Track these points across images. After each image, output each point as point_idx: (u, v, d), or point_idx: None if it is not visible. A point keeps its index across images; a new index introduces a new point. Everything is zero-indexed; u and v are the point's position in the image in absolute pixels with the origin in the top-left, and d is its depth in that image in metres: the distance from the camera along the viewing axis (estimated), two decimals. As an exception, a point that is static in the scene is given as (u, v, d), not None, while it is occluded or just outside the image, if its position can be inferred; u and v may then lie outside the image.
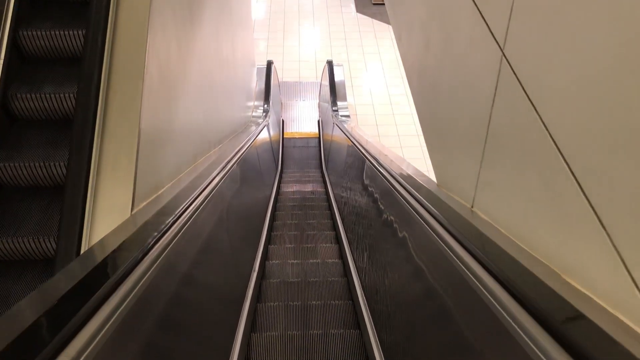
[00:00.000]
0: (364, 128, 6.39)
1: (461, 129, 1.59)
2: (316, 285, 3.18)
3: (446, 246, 1.40)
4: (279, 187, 5.96)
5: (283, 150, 7.50)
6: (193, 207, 1.72)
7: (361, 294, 2.87)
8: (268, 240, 4.13)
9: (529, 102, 1.12)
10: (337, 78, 7.07)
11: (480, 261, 1.17)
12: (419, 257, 1.76)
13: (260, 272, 3.31)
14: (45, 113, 1.88)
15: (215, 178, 2.27)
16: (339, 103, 6.47)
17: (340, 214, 4.46)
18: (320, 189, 6.07)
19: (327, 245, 4.04)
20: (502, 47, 1.26)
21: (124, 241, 1.16)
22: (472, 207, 1.51)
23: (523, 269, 1.07)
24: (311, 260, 3.64)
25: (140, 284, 1.08)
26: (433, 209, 1.63)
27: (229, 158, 2.76)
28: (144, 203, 1.57)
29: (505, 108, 1.27)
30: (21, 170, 1.77)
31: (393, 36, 10.68)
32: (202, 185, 1.94)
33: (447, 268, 1.40)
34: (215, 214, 2.19)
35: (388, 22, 11.28)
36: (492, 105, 1.34)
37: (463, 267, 1.25)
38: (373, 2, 11.72)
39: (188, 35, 2.33)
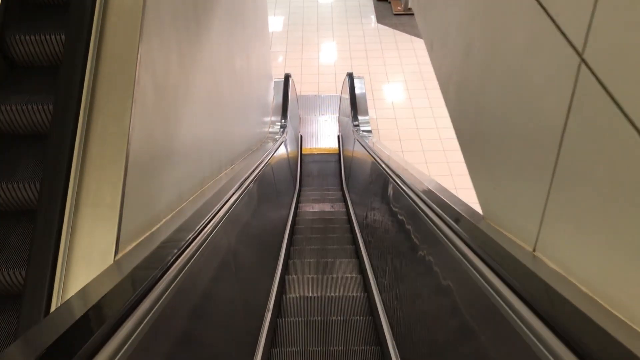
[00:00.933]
0: (386, 143, 6.12)
1: (518, 150, 1.31)
2: (338, 324, 2.90)
3: (505, 303, 1.12)
4: (297, 208, 5.71)
5: (301, 168, 7.26)
6: (193, 248, 1.47)
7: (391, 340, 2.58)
8: (285, 269, 3.87)
9: (624, 120, 0.85)
10: (357, 91, 6.83)
11: (563, 337, 0.89)
12: (465, 310, 1.48)
13: (276, 311, 3.04)
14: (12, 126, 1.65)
15: (224, 207, 2.02)
16: (360, 117, 6.22)
17: (364, 239, 4.18)
18: (341, 209, 5.80)
19: (350, 275, 3.76)
20: (580, 50, 0.99)
21: (92, 306, 0.92)
22: (534, 249, 1.23)
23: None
24: (332, 294, 3.37)
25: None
26: (480, 249, 1.35)
27: (241, 180, 2.52)
28: (133, 244, 1.33)
29: (585, 125, 1.00)
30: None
31: (415, 47, 10.45)
32: (205, 219, 1.70)
33: (507, 328, 1.12)
34: (221, 251, 1.94)
35: (410, 33, 11.06)
36: (566, 123, 1.07)
37: (532, 337, 0.97)
38: (394, 13, 11.52)
39: (193, 45, 2.11)
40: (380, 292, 3.07)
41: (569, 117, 1.06)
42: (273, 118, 6.35)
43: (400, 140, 7.87)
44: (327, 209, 5.77)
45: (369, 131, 5.92)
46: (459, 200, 1.99)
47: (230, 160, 2.91)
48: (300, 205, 5.91)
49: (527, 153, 1.25)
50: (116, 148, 1.30)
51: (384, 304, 2.90)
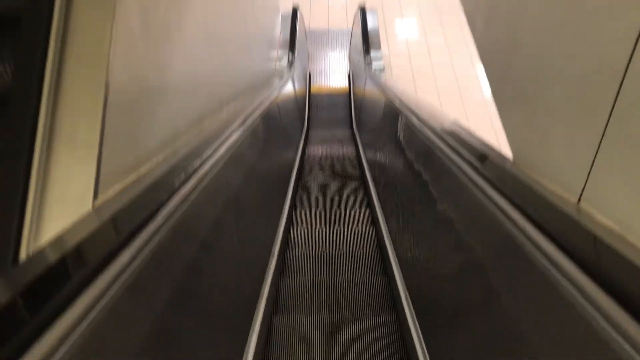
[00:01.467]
0: (399, 82, 5.86)
1: (565, 85, 1.12)
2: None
3: (543, 254, 0.97)
4: (304, 149, 5.54)
5: (310, 106, 7.04)
6: (186, 190, 1.32)
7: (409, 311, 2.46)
8: (291, 214, 3.75)
9: None
10: (370, 25, 6.49)
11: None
12: (492, 259, 1.34)
13: (281, 256, 2.94)
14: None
15: (223, 146, 1.86)
16: (372, 53, 5.93)
17: (375, 183, 4.03)
18: (351, 151, 5.62)
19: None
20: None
21: (59, 257, 0.79)
22: (579, 200, 1.07)
23: None
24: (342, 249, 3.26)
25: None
26: (513, 195, 1.20)
27: (243, 118, 2.34)
28: (116, 187, 1.18)
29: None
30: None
31: (432, -21, 9.90)
32: (202, 158, 1.54)
33: (546, 284, 0.98)
34: (221, 193, 1.80)
35: (426, -37, 10.46)
36: (632, 53, 0.88)
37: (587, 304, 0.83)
38: (410, -59, 10.86)
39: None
40: (395, 245, 2.94)
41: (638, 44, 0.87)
42: (280, 53, 6.07)
43: (414, 78, 7.57)
44: (336, 151, 5.60)
45: (382, 69, 5.65)
46: (483, 141, 1.81)
47: (233, 97, 2.72)
48: (308, 146, 5.74)
49: (577, 88, 1.06)
50: (93, 75, 1.12)
51: (401, 270, 2.78)
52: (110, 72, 1.16)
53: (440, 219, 1.96)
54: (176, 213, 1.21)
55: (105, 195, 1.12)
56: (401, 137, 3.09)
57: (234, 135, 2.11)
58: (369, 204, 3.99)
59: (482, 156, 1.60)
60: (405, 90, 3.70)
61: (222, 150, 1.86)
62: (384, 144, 3.80)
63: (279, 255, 2.89)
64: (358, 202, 4.09)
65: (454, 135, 1.94)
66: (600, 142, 0.98)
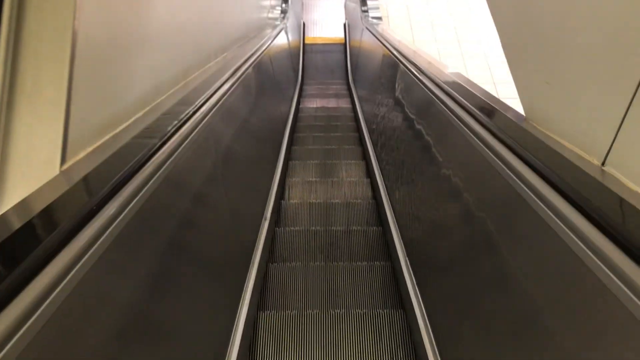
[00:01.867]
0: (397, 32, 5.65)
1: (594, 32, 1.00)
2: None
3: (565, 222, 0.88)
4: (298, 103, 5.39)
5: (304, 58, 6.83)
6: (168, 149, 1.21)
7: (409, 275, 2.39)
8: (285, 172, 3.65)
9: None
10: (367, -28, 6.22)
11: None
12: (501, 223, 1.25)
13: (274, 217, 2.85)
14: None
15: (210, 100, 1.74)
16: (369, 2, 5.69)
17: (372, 141, 3.91)
18: (347, 105, 5.48)
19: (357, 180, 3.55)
20: None
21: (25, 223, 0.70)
22: (603, 163, 0.97)
23: None
24: (336, 200, 3.17)
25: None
26: (527, 155, 1.09)
27: (232, 70, 2.21)
28: (88, 149, 1.06)
29: None
30: None
31: None
32: (185, 114, 1.43)
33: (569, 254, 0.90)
34: (208, 151, 1.69)
35: None
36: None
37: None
38: None
39: None
40: (393, 206, 2.85)
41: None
42: (272, 2, 5.82)
43: (412, 29, 7.33)
44: (332, 105, 5.45)
45: (379, 18, 5.44)
46: (491, 95, 1.70)
47: (222, 48, 2.56)
48: (302, 100, 5.59)
49: (612, 36, 0.94)
50: (58, 20, 0.99)
51: (402, 240, 2.70)
52: (78, 17, 1.03)
53: (445, 179, 1.86)
54: (157, 175, 1.11)
55: (75, 159, 1.01)
56: (400, 90, 2.96)
57: (224, 87, 1.98)
58: (365, 157, 3.89)
59: (490, 111, 1.49)
60: (404, 40, 3.54)
61: (211, 102, 1.74)
62: (382, 97, 3.67)
63: (273, 209, 2.81)
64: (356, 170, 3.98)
65: (457, 87, 1.82)
66: (632, 99, 0.87)
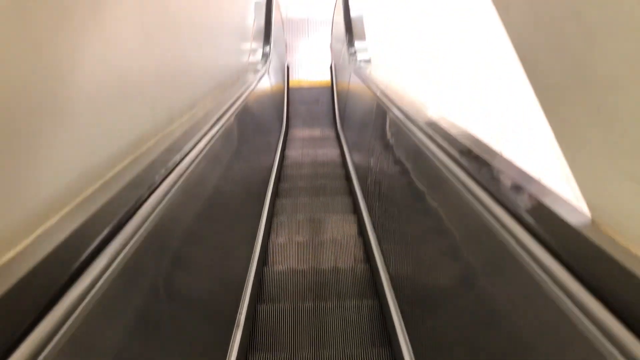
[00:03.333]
0: (386, 74, 5.39)
1: None
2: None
3: None
4: (283, 152, 5.05)
5: (289, 103, 6.53)
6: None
7: None
8: (266, 242, 3.27)
9: None
10: (353, 12, 6.00)
11: None
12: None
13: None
14: None
15: (167, 180, 1.38)
16: (357, 44, 5.44)
17: (367, 204, 3.55)
18: (335, 154, 5.15)
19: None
20: None
21: None
22: None
23: None
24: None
25: None
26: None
27: (200, 135, 1.85)
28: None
29: None
30: None
31: (418, -38, 9.41)
32: (126, 213, 1.06)
33: None
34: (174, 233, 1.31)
35: (411, -55, 9.97)
36: None
37: None
38: None
39: None
40: (399, 303, 2.46)
41: None
42: (253, 45, 5.55)
43: (400, 72, 7.08)
44: (319, 155, 5.12)
45: (368, 60, 5.17)
46: (526, 174, 1.34)
47: (189, 104, 2.21)
48: (287, 149, 5.26)
49: None
50: None
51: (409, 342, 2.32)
52: None
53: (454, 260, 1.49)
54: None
55: None
56: (393, 140, 2.64)
57: (189, 156, 1.63)
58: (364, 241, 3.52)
59: (534, 209, 1.13)
60: (395, 85, 3.23)
61: (168, 181, 1.38)
62: (373, 147, 3.34)
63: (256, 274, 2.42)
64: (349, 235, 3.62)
65: (474, 158, 1.47)
66: None
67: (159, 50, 1.86)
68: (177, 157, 1.54)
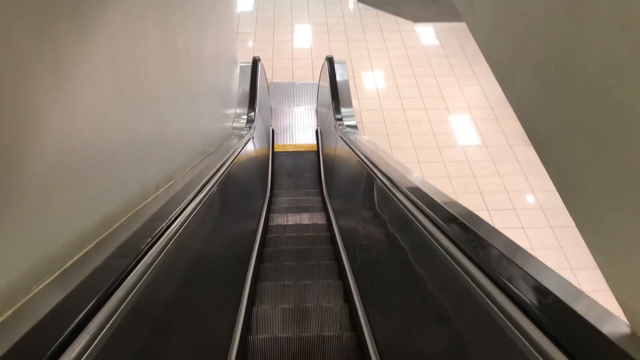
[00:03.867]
0: (373, 139, 5.36)
1: None
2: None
3: None
4: (267, 220, 4.90)
5: (273, 168, 6.44)
6: None
7: None
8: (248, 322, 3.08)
9: None
10: (339, 78, 6.03)
11: None
12: None
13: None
14: None
15: (139, 266, 1.22)
16: (343, 110, 5.42)
17: (353, 272, 3.39)
18: (321, 222, 5.01)
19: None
20: None
21: None
22: None
23: None
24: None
25: None
26: None
27: (176, 213, 1.70)
28: None
29: None
30: None
31: (401, 29, 9.70)
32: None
33: None
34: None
35: (394, 13, 10.30)
36: None
37: None
38: (377, -10, 10.75)
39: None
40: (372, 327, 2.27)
41: None
42: (238, 110, 5.51)
43: (388, 135, 7.11)
44: (305, 221, 4.98)
45: (354, 126, 5.13)
46: (542, 264, 1.20)
47: (166, 176, 2.08)
48: (271, 216, 5.11)
49: None
50: None
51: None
52: None
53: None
54: None
55: None
56: (381, 209, 2.52)
57: (164, 238, 1.47)
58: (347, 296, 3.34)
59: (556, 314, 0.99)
60: (387, 157, 3.14)
61: (142, 266, 1.22)
62: (360, 214, 3.21)
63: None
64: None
65: (475, 240, 1.34)
66: None
67: (132, 121, 1.75)
68: (149, 240, 1.39)
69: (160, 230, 1.48)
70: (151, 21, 2.01)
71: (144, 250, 1.31)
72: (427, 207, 1.64)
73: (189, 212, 1.78)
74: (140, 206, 1.70)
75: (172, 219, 1.62)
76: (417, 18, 10.17)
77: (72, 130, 1.23)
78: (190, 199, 1.89)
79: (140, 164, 1.77)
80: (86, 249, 1.25)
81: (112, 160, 1.52)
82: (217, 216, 2.53)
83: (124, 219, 1.52)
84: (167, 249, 1.46)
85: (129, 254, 1.25)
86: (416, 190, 1.84)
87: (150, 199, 1.80)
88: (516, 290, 1.02)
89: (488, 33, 1.47)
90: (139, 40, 1.87)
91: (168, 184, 2.07)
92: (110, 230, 1.42)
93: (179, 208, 1.72)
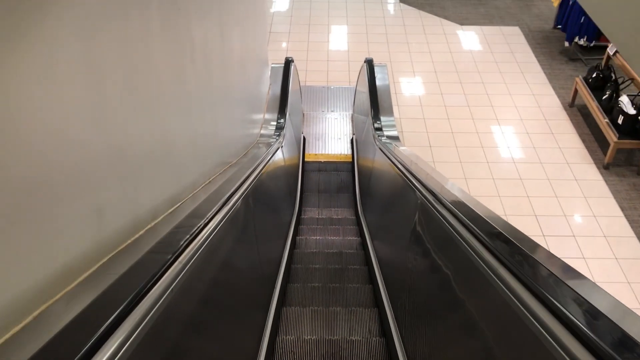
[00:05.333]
0: (414, 150, 4.91)
1: None
2: None
3: None
4: (295, 238, 4.50)
5: (303, 179, 6.05)
6: None
7: None
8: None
9: None
10: (379, 82, 5.61)
11: None
12: None
13: None
14: None
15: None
16: (383, 119, 5.00)
17: (392, 305, 2.95)
18: (355, 241, 4.59)
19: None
20: None
21: None
22: None
23: None
24: None
25: None
26: None
27: (191, 235, 1.31)
28: None
29: None
30: None
31: (446, 32, 9.23)
32: None
33: None
34: None
35: (439, 15, 9.84)
36: None
37: None
38: (421, -10, 10.30)
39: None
40: None
41: None
42: (267, 116, 5.14)
43: (430, 146, 6.64)
44: (336, 241, 4.57)
45: (396, 137, 4.70)
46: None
47: (169, 199, 1.70)
48: (300, 234, 4.71)
49: None
50: None
51: None
52: None
53: None
54: None
55: None
56: (425, 232, 2.10)
57: (177, 264, 1.09)
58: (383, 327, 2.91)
59: None
60: (438, 175, 2.71)
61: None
62: (402, 239, 2.78)
63: None
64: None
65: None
66: None
67: (138, 125, 1.37)
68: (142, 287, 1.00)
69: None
70: (155, 2, 1.64)
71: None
72: (514, 266, 1.21)
73: (188, 258, 1.38)
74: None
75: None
76: (463, 20, 9.68)
77: (63, 146, 0.86)
78: (205, 221, 1.50)
79: (127, 187, 1.38)
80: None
81: (84, 184, 1.14)
82: (231, 250, 2.13)
83: (94, 267, 1.13)
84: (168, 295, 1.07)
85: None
86: (497, 239, 1.40)
87: (142, 231, 1.42)
88: None
89: None
90: (133, 25, 1.50)
91: (171, 209, 1.69)
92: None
93: (193, 230, 1.33)
